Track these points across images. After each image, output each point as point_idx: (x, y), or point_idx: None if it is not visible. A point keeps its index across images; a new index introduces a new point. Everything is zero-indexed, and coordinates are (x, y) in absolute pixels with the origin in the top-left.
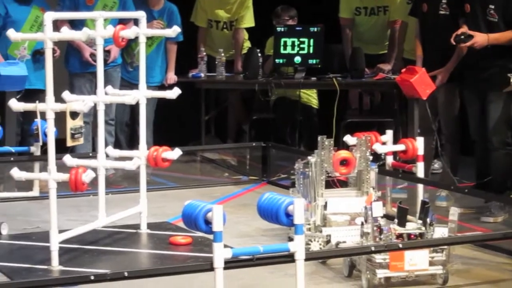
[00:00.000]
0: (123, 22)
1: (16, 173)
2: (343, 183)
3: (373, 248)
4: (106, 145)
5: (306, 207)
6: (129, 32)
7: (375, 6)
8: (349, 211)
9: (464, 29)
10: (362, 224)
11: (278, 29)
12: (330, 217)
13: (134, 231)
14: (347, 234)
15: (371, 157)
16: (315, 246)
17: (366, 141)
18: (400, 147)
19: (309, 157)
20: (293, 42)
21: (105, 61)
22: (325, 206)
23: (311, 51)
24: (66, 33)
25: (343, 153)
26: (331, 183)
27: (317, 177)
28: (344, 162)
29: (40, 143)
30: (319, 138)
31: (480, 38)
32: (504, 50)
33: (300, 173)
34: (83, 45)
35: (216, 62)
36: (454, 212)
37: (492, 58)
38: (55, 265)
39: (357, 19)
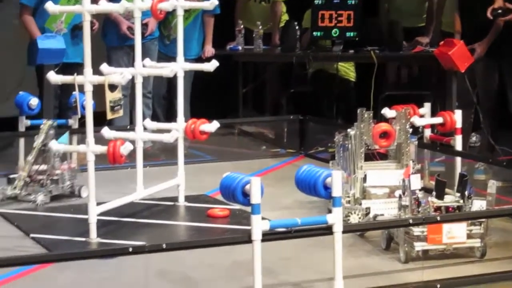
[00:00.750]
0: None
1: (55, 146)
2: (383, 156)
3: (411, 221)
4: (144, 118)
5: (346, 180)
6: (167, 5)
7: None
8: (389, 184)
9: (500, 2)
10: (400, 197)
11: (316, 1)
12: (369, 189)
13: (172, 203)
14: (386, 207)
15: (410, 130)
16: (354, 219)
17: (405, 114)
18: (438, 120)
19: (348, 130)
20: (330, 15)
21: (143, 34)
22: (364, 179)
23: (348, 23)
24: (104, 6)
25: (383, 126)
26: (370, 156)
27: (356, 150)
28: (384, 135)
29: (78, 116)
30: (359, 110)
31: None
32: None
33: (340, 145)
34: (120, 18)
35: (254, 35)
36: (492, 185)
37: None
38: (93, 237)
39: None
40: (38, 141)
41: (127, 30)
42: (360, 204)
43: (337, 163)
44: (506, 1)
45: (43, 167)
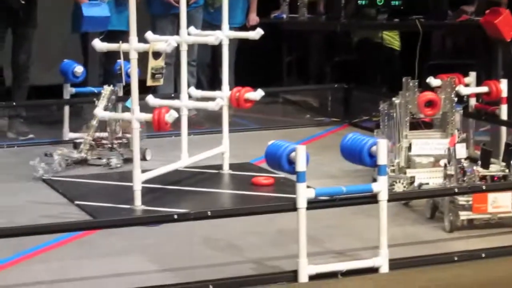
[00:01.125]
0: None
1: (100, 112)
2: (428, 125)
3: (456, 190)
4: (188, 86)
5: (391, 149)
6: None
7: None
8: (434, 153)
9: None
10: (445, 166)
11: None
12: (414, 158)
13: (217, 171)
14: (431, 176)
15: (456, 99)
16: (399, 188)
17: (451, 83)
18: (483, 89)
19: (393, 99)
20: None
21: (187, 2)
22: (409, 148)
23: None
24: None
25: (429, 95)
26: (415, 125)
27: (401, 119)
28: (430, 104)
29: (123, 83)
30: (404, 79)
31: None
32: None
33: (385, 114)
34: None
35: (298, 4)
36: None
37: None
38: (138, 204)
39: None
40: (100, 106)
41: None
42: (405, 173)
43: (382, 131)
44: None
45: (104, 133)
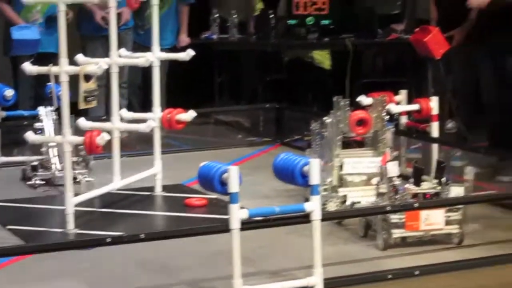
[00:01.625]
0: None
1: (30, 136)
2: (359, 143)
3: (388, 208)
4: (120, 108)
5: (323, 168)
6: None
7: None
8: (366, 172)
9: None
10: (378, 184)
11: None
12: (346, 177)
13: (149, 193)
14: (364, 194)
15: (387, 117)
16: (331, 207)
17: (382, 101)
18: (414, 107)
19: (324, 118)
20: (305, 3)
21: (117, 24)
22: (341, 167)
23: (323, 11)
24: None
25: (360, 113)
26: (347, 143)
27: (333, 138)
28: (361, 122)
29: (54, 106)
30: (335, 98)
31: None
32: None
33: (316, 133)
34: (95, 8)
35: (229, 24)
36: (470, 172)
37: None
38: (71, 228)
39: None
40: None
41: (101, 20)
42: (337, 192)
43: (314, 151)
44: None
45: None
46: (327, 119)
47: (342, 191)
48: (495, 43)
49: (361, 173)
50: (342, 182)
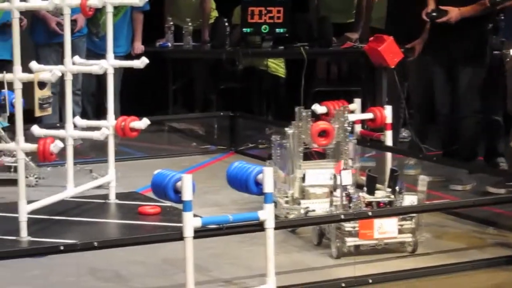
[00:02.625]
0: None
1: None
2: (321, 155)
3: (342, 216)
4: (74, 115)
5: (284, 179)
6: (96, 1)
7: None
8: (327, 183)
9: (432, 4)
10: (331, 192)
11: None
12: (308, 189)
13: (103, 201)
14: (326, 206)
15: (349, 128)
16: None
17: (344, 112)
18: (368, 115)
19: (286, 129)
20: (260, 11)
21: (72, 30)
22: (303, 178)
23: (278, 20)
24: (33, 2)
25: (322, 124)
26: (308, 155)
27: (294, 149)
28: (323, 133)
29: (7, 114)
30: (296, 108)
31: (454, 13)
32: (476, 23)
33: (277, 144)
34: (48, 15)
35: (183, 32)
36: (423, 180)
37: (463, 29)
38: (24, 235)
39: None
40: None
41: (56, 26)
42: (299, 204)
43: (274, 162)
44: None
45: None
46: (289, 130)
47: (304, 203)
48: (448, 53)
49: (323, 185)
50: (304, 194)
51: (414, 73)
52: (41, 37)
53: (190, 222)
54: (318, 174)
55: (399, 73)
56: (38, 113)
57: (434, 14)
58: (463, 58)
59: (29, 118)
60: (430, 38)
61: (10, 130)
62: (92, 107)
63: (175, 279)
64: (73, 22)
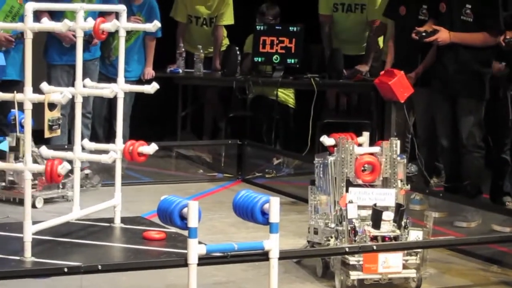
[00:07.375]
0: (103, 15)
1: None
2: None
3: (347, 249)
4: (82, 138)
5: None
6: (109, 25)
7: (352, 3)
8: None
9: (428, 26)
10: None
11: (258, 27)
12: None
13: (108, 224)
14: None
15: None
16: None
17: (391, 144)
18: (376, 149)
19: (328, 156)
20: (272, 41)
21: (89, 42)
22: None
23: (290, 50)
24: (47, 24)
25: (367, 158)
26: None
27: (337, 178)
28: (368, 168)
29: (17, 133)
30: (340, 138)
31: (443, 35)
32: (478, 55)
33: (321, 170)
34: (63, 33)
35: (195, 58)
36: (429, 216)
37: (465, 62)
38: (28, 256)
39: (335, 16)
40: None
41: (70, 33)
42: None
43: (318, 187)
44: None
45: None
46: (330, 158)
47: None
48: (450, 86)
49: (367, 206)
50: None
51: (421, 107)
52: (54, 58)
53: (195, 249)
54: (363, 193)
55: (408, 107)
56: (47, 134)
57: (423, 34)
58: (464, 93)
59: (38, 139)
60: (433, 68)
61: (18, 150)
62: (104, 130)
63: None
64: (90, 36)
